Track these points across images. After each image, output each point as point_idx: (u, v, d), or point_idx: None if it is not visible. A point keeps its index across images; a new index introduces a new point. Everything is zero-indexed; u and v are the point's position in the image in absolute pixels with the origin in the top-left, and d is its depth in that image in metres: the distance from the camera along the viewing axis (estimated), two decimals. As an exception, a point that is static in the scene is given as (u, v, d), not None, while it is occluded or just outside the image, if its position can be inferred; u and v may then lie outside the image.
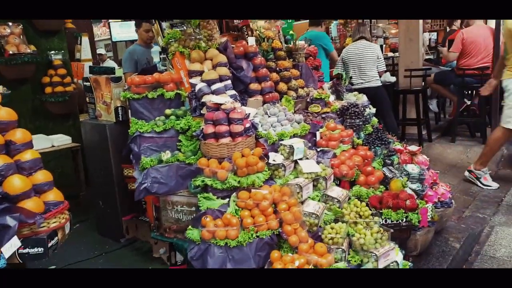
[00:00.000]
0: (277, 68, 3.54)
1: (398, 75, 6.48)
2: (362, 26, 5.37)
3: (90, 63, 5.88)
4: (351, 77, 4.86)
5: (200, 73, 3.02)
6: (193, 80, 3.00)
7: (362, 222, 2.54)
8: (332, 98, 3.69)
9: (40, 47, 4.33)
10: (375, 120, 3.64)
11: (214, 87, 2.90)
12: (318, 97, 3.57)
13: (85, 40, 5.82)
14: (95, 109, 3.45)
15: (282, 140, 2.78)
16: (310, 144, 2.94)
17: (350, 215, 2.57)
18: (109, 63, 7.89)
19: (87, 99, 3.53)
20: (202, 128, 2.64)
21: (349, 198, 2.79)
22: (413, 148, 3.46)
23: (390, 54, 7.05)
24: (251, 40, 3.41)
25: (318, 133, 3.09)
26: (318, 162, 2.80)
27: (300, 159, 2.73)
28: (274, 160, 2.62)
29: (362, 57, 5.01)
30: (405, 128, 6.17)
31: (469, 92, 6.02)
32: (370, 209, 2.66)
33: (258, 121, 2.90)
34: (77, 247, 3.29)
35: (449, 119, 6.79)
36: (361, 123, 3.31)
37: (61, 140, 4.12)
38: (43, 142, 3.99)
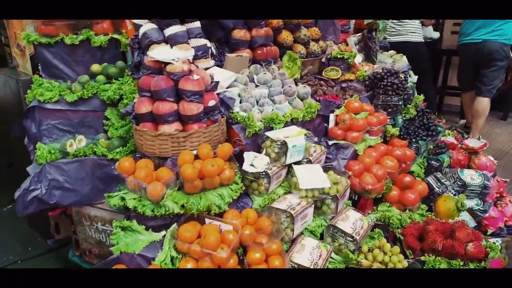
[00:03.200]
0: (281, 8, 2.35)
1: (442, 30, 5.16)
2: None
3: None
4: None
5: (152, 7, 1.88)
6: (139, 20, 1.87)
7: (391, 279, 1.53)
8: (359, 58, 2.51)
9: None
10: (419, 97, 2.45)
11: (169, 31, 1.79)
12: (338, 56, 2.39)
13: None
14: (11, 55, 2.39)
15: (272, 129, 1.70)
16: (316, 139, 1.83)
17: (372, 266, 1.56)
18: None
19: (2, 38, 2.45)
20: (134, 103, 1.57)
21: (373, 229, 1.75)
22: (475, 143, 2.29)
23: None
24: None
25: (332, 117, 1.97)
26: (327, 168, 1.73)
27: (299, 162, 1.67)
28: (252, 165, 1.56)
29: None
30: (444, 98, 5.15)
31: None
32: (406, 254, 1.64)
33: (237, 94, 1.80)
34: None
35: (502, 89, 5.49)
36: (400, 102, 2.16)
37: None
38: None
